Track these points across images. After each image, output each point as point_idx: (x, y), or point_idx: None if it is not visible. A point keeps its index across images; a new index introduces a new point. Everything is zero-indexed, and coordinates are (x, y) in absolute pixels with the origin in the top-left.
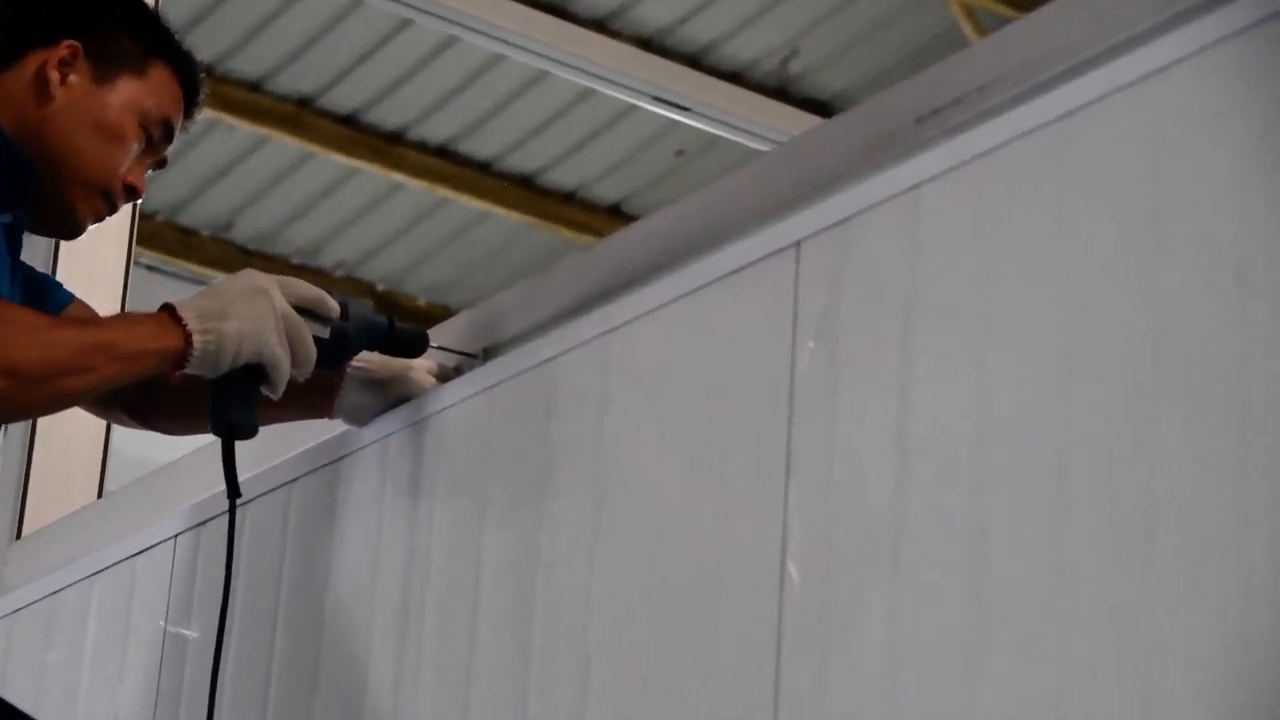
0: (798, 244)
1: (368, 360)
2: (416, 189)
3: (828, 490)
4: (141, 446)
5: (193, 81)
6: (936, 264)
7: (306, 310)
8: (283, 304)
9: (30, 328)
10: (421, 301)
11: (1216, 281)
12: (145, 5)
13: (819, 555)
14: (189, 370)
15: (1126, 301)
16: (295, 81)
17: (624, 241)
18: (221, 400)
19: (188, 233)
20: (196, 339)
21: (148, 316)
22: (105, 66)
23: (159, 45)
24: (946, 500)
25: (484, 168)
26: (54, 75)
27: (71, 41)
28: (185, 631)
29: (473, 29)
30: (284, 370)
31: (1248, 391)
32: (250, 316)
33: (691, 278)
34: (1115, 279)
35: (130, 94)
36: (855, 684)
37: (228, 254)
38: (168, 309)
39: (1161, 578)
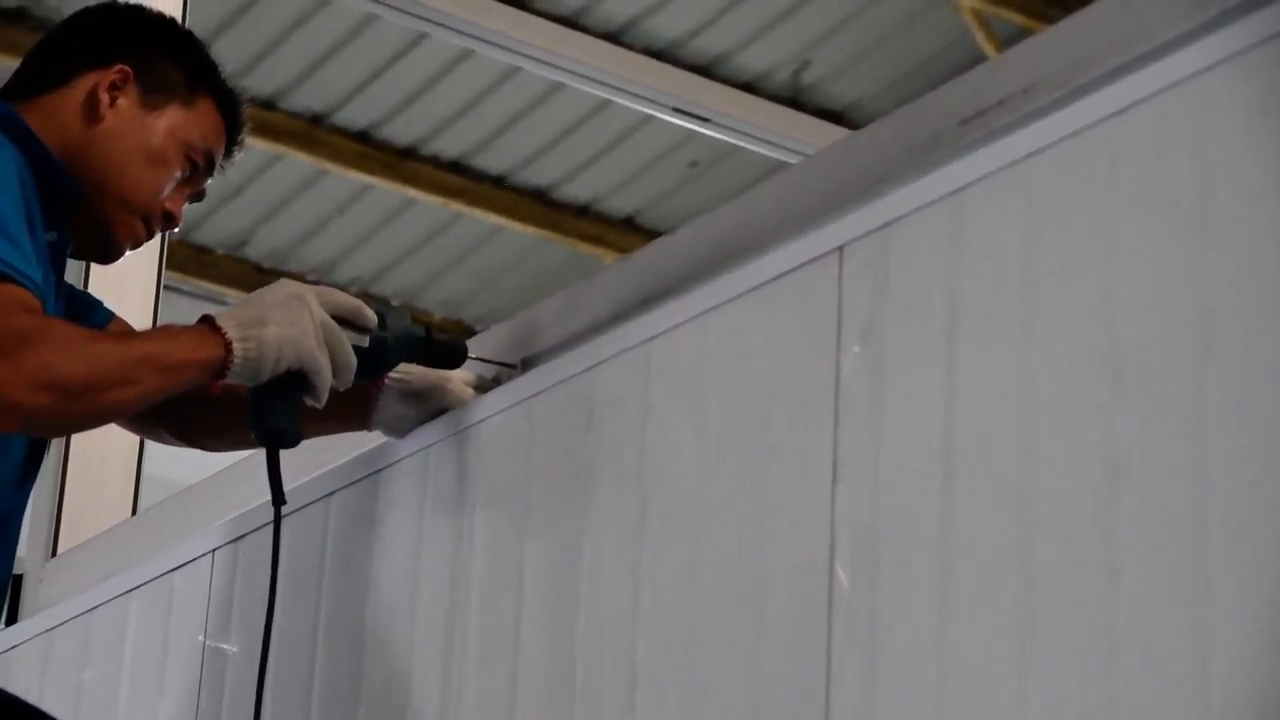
0: (841, 249)
1: (406, 371)
2: (430, 204)
3: (875, 495)
4: (163, 468)
5: (236, 119)
6: (981, 267)
7: (344, 320)
8: (321, 312)
9: (72, 342)
10: (437, 316)
11: (1265, 280)
12: (196, 40)
13: (868, 560)
14: (230, 380)
15: (1174, 302)
16: (308, 98)
17: (663, 249)
18: (263, 408)
19: (203, 251)
20: (237, 347)
21: (187, 328)
22: (154, 93)
23: (206, 80)
24: (994, 504)
25: (497, 182)
26: (104, 97)
27: (123, 66)
28: (225, 646)
29: (487, 41)
30: (326, 377)
31: None
32: (289, 323)
33: (734, 284)
34: (1162, 280)
35: (176, 122)
36: (906, 689)
37: (243, 272)
38: (206, 320)
39: (1214, 583)
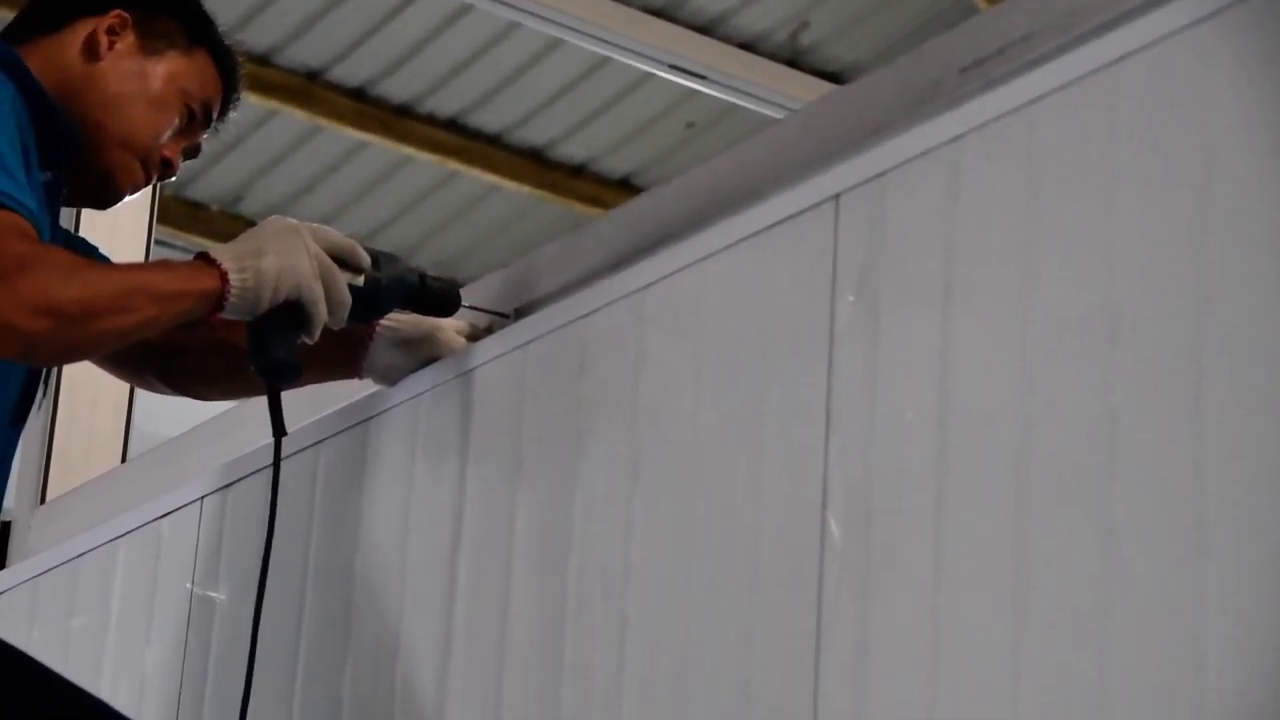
0: (837, 197)
1: (398, 320)
2: (426, 162)
3: (869, 446)
4: (152, 422)
5: (232, 75)
6: (978, 216)
7: (338, 259)
8: (316, 246)
9: (69, 268)
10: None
11: (1267, 233)
12: None
13: (860, 512)
14: (227, 312)
15: (1174, 255)
16: (304, 54)
17: (659, 198)
18: (262, 340)
19: (197, 206)
20: (234, 278)
21: (184, 261)
22: (152, 40)
23: (204, 34)
24: (989, 457)
25: (494, 140)
26: (103, 39)
27: (121, 11)
28: (212, 594)
29: None
30: (321, 309)
31: None
32: (286, 253)
33: (729, 232)
34: (1162, 231)
35: (176, 69)
36: (898, 643)
37: (237, 228)
38: (202, 255)
39: (1210, 541)
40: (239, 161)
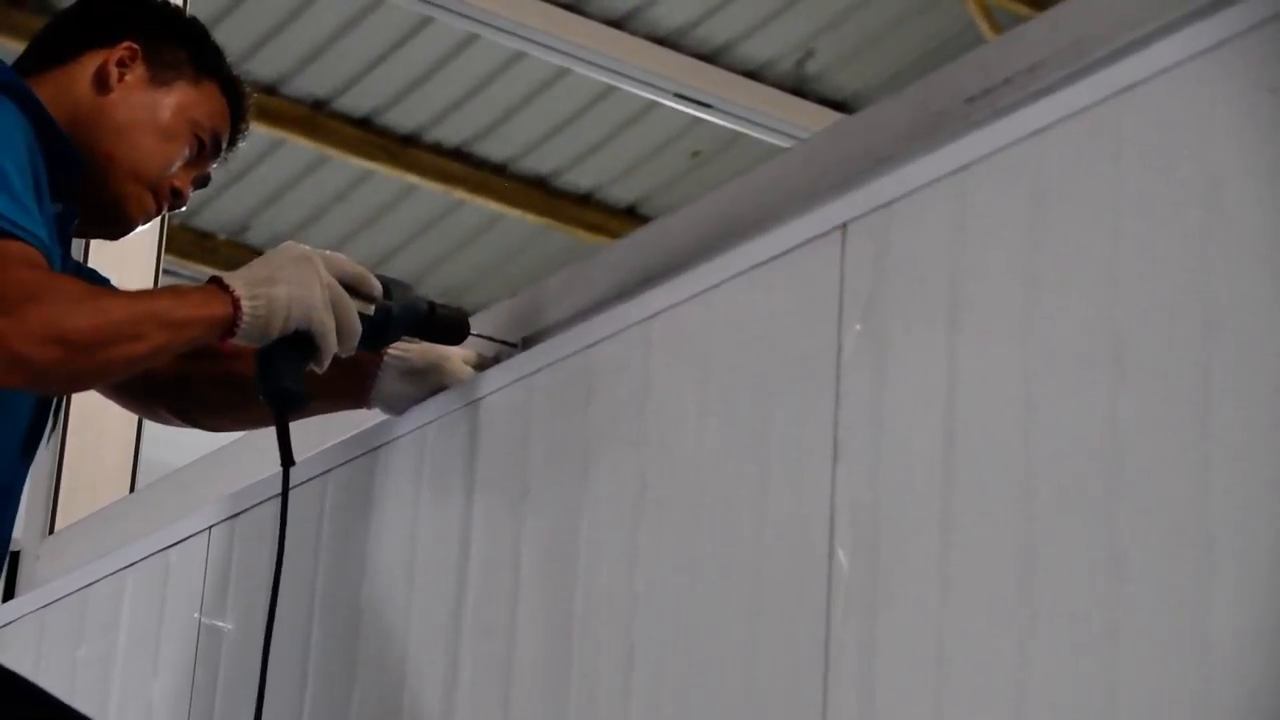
0: (844, 226)
1: (406, 349)
2: (432, 191)
3: (875, 474)
4: (160, 450)
5: (241, 105)
6: (984, 245)
7: (349, 287)
8: (328, 275)
9: (78, 296)
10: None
11: (1271, 260)
12: (201, 26)
13: (868, 540)
14: (238, 339)
15: (1179, 283)
16: (310, 84)
17: (666, 227)
18: (270, 369)
19: (204, 236)
20: (246, 305)
21: (196, 286)
22: (162, 71)
23: (212, 65)
24: (995, 484)
25: (499, 169)
26: (113, 71)
27: (130, 43)
28: (220, 624)
29: (490, 26)
30: (331, 339)
31: None
32: (298, 283)
33: (736, 261)
34: (1168, 260)
35: (185, 99)
36: (904, 671)
37: (244, 257)
38: (215, 280)
39: (1216, 568)
40: (246, 191)
